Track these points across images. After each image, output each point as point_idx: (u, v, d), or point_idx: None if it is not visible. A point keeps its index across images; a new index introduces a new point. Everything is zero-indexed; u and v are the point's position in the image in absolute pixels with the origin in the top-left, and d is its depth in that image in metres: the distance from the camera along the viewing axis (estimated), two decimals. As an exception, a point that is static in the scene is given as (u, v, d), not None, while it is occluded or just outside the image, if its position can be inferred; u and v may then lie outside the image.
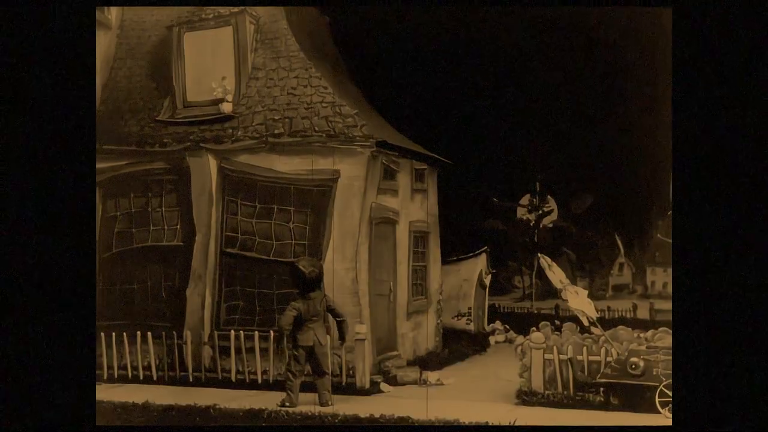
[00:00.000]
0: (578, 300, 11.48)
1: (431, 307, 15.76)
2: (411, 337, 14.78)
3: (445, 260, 16.60)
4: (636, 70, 15.86)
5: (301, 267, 11.40)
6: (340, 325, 11.51)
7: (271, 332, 12.55)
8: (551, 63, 17.09)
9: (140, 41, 14.91)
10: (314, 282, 11.39)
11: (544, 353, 11.37)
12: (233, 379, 12.94)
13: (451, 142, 17.01)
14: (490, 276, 18.29)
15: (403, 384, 12.80)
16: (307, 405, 11.11)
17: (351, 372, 12.36)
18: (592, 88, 16.93)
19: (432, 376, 12.96)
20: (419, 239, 15.28)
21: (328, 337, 11.60)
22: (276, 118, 13.36)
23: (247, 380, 12.83)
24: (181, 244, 13.77)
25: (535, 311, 18.88)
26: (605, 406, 10.64)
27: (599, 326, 11.52)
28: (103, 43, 14.61)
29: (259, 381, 12.76)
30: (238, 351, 12.99)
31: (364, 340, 12.32)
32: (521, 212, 19.26)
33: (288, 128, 13.20)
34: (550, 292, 17.44)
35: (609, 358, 11.00)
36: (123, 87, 14.71)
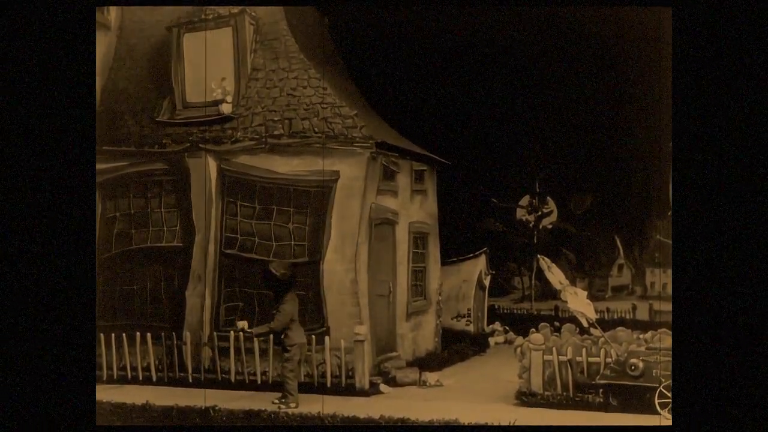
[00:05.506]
0: (577, 301, 11.48)
1: (431, 307, 15.76)
2: (410, 338, 14.78)
3: (445, 261, 16.60)
4: (636, 70, 15.87)
5: (272, 269, 11.44)
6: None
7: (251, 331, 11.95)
8: (551, 63, 17.10)
9: (140, 42, 14.90)
10: (287, 284, 11.43)
11: (543, 354, 11.37)
12: (233, 379, 12.94)
13: (450, 142, 17.02)
14: (489, 277, 18.29)
15: (403, 385, 12.80)
16: (306, 405, 11.11)
17: (350, 373, 12.36)
18: (591, 88, 16.95)
19: (431, 377, 12.97)
20: (419, 240, 15.28)
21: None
22: (275, 119, 13.36)
23: (247, 381, 12.83)
24: (181, 245, 13.77)
25: (535, 312, 18.90)
26: (604, 407, 10.64)
27: (598, 327, 11.52)
28: (103, 44, 14.60)
29: (259, 382, 12.75)
30: (237, 352, 12.99)
31: (363, 341, 12.32)
32: (521, 213, 19.28)
33: (287, 129, 13.21)
34: (550, 293, 17.47)
35: (608, 359, 11.00)
36: (122, 88, 14.70)
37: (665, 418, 9.99)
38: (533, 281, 19.38)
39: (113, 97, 14.64)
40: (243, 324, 11.66)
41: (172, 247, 13.84)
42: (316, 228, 13.04)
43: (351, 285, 12.83)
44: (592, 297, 12.80)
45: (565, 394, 11.14)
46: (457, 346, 15.81)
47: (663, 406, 10.14)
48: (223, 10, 13.76)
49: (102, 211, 14.23)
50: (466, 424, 9.97)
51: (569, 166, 18.26)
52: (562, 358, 11.30)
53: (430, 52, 17.17)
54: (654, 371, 10.37)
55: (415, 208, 15.06)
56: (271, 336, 11.96)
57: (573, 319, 11.93)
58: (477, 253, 17.95)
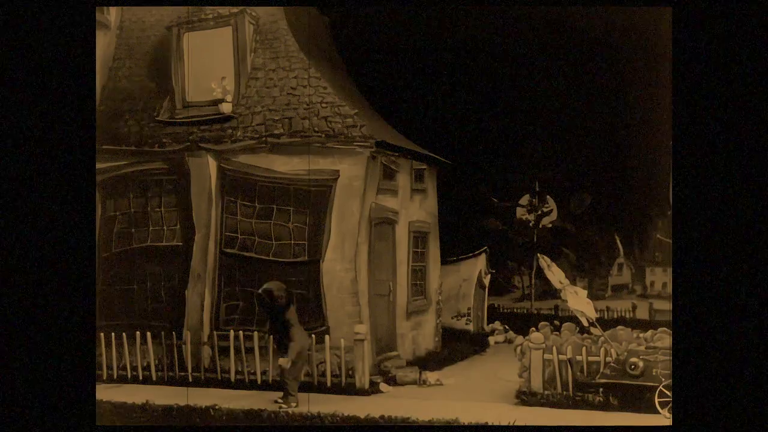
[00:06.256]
0: (577, 300, 11.48)
1: (431, 307, 15.76)
2: (410, 338, 14.78)
3: (445, 260, 16.60)
4: (636, 70, 15.87)
5: (273, 296, 11.27)
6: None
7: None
8: (551, 63, 17.10)
9: (140, 41, 14.91)
10: (286, 305, 11.35)
11: (543, 353, 11.37)
12: (233, 379, 12.94)
13: (450, 141, 17.01)
14: (489, 276, 18.29)
15: (403, 384, 12.80)
16: (306, 405, 11.11)
17: (350, 372, 12.36)
18: (591, 88, 16.95)
19: (431, 376, 12.96)
20: (419, 239, 15.28)
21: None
22: (275, 118, 13.36)
23: (247, 380, 12.83)
24: (181, 244, 13.77)
25: (535, 311, 18.89)
26: (604, 407, 10.64)
27: (598, 326, 11.52)
28: (103, 44, 14.60)
29: (259, 381, 12.76)
30: (237, 351, 12.99)
31: (363, 340, 12.32)
32: (521, 212, 19.27)
33: (287, 128, 13.20)
34: (550, 292, 17.47)
35: (608, 359, 11.00)
36: (122, 87, 14.70)
37: (665, 418, 9.99)
38: (533, 280, 19.37)
39: (113, 97, 14.64)
40: (284, 361, 11.27)
41: (172, 246, 13.84)
42: (316, 227, 13.03)
43: (351, 284, 12.84)
44: (592, 296, 12.81)
45: (565, 393, 11.14)
46: (457, 346, 15.82)
47: (663, 405, 10.15)
48: (223, 10, 13.76)
49: (102, 210, 14.23)
50: (466, 423, 9.97)
51: (569, 165, 18.26)
52: (562, 357, 11.29)
53: (430, 52, 17.17)
54: (654, 370, 10.37)
55: (415, 207, 15.05)
56: (272, 337, 12.01)
57: (573, 318, 11.94)
58: (477, 252, 17.96)
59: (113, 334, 13.61)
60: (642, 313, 17.94)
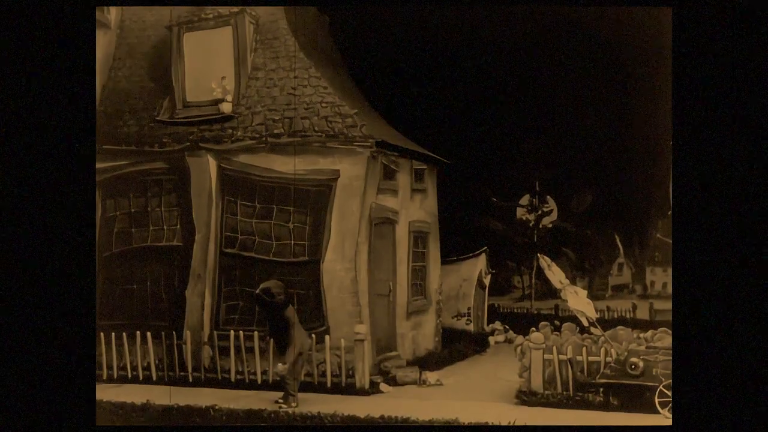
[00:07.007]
0: (578, 300, 11.48)
1: (431, 307, 15.75)
2: (410, 337, 14.77)
3: (445, 260, 16.59)
4: (636, 70, 15.88)
5: (272, 295, 11.28)
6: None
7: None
8: (551, 63, 17.10)
9: (140, 41, 14.91)
10: (284, 304, 11.36)
11: (543, 353, 11.37)
12: (233, 379, 12.94)
13: (450, 141, 17.01)
14: (489, 276, 18.29)
15: (403, 384, 12.80)
16: (306, 405, 11.11)
17: (350, 372, 12.36)
18: (592, 88, 16.94)
19: (431, 376, 12.96)
20: (419, 239, 15.28)
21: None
22: (275, 118, 13.36)
23: (247, 380, 12.83)
24: (181, 244, 13.76)
25: (535, 311, 18.88)
26: (605, 407, 10.64)
27: (599, 326, 11.52)
28: (103, 43, 14.60)
29: (259, 381, 12.76)
30: (237, 351, 12.99)
31: (363, 340, 12.32)
32: (521, 212, 19.26)
33: (287, 128, 13.20)
34: (550, 292, 17.45)
35: (608, 359, 11.00)
36: (122, 87, 14.70)
37: (665, 418, 9.99)
38: (533, 280, 19.36)
39: (113, 96, 14.64)
40: (282, 368, 11.25)
41: (172, 246, 13.84)
42: (316, 227, 13.03)
43: (351, 284, 12.84)
44: (592, 296, 12.80)
45: (565, 393, 11.14)
46: (457, 346, 15.81)
47: (663, 405, 10.15)
48: (223, 10, 13.76)
49: (102, 210, 14.22)
50: (466, 423, 9.98)
51: (569, 165, 18.25)
52: (563, 357, 11.29)
53: (430, 52, 17.16)
54: (654, 370, 10.37)
55: (415, 207, 15.05)
56: (272, 341, 12.03)
57: (573, 318, 11.93)
58: (477, 252, 17.95)
59: (113, 333, 13.61)
60: (642, 313, 17.93)
